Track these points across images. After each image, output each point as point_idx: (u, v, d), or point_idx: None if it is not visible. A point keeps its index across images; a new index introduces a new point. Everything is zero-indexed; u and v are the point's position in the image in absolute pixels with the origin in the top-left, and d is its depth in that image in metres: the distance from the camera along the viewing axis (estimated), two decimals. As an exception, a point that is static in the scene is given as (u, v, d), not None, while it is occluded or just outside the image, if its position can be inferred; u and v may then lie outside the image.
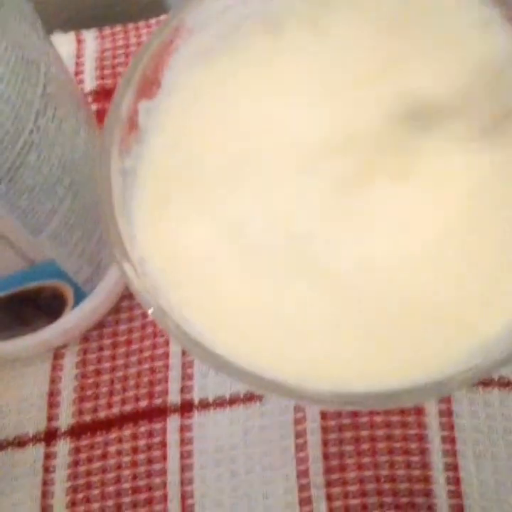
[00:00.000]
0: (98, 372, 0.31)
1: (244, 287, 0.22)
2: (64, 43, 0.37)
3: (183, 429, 0.30)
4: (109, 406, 0.31)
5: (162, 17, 0.38)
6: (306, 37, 0.25)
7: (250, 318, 0.22)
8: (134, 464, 0.30)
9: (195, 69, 0.25)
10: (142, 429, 0.30)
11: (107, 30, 0.37)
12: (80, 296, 0.29)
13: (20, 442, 0.30)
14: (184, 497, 0.29)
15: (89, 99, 0.36)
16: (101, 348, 0.32)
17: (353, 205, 0.22)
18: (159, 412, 0.30)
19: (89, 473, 0.30)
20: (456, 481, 0.28)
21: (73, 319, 0.29)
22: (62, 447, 0.30)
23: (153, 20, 0.38)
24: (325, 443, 0.29)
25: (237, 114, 0.24)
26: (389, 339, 0.20)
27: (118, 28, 0.38)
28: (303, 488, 0.29)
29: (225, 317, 0.22)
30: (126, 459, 0.30)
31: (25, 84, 0.20)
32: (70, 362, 0.32)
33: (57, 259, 0.25)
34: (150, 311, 0.20)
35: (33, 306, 0.28)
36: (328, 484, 0.29)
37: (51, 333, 0.30)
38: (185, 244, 0.22)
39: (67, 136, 0.23)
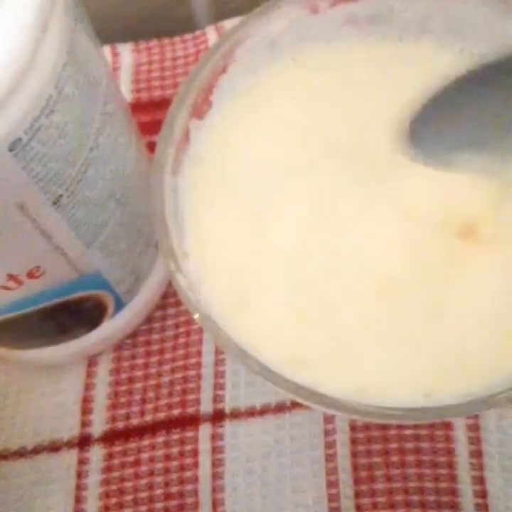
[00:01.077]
0: (131, 380, 0.32)
1: (291, 301, 0.23)
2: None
3: (215, 437, 0.31)
4: (142, 413, 0.31)
5: (197, 32, 0.38)
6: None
7: (299, 331, 0.22)
8: (167, 470, 0.30)
9: (240, 91, 0.26)
10: (175, 436, 0.31)
11: (143, 45, 0.38)
12: (119, 306, 0.29)
13: (54, 447, 0.31)
14: (215, 504, 0.30)
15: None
16: (134, 357, 0.32)
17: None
18: (191, 421, 0.31)
19: (122, 479, 0.30)
20: (483, 494, 0.29)
21: (111, 328, 0.30)
22: (96, 453, 0.31)
23: (188, 36, 0.38)
24: (354, 454, 0.30)
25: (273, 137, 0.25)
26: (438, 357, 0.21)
27: (153, 42, 0.39)
28: (332, 498, 0.30)
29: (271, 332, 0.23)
30: (159, 465, 0.31)
31: (89, 102, 0.21)
32: (104, 369, 0.32)
33: (104, 270, 0.26)
34: (196, 316, 0.21)
35: (74, 315, 0.28)
36: (358, 495, 0.30)
37: (89, 341, 0.30)
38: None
39: (120, 151, 0.24)
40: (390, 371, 0.22)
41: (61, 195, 0.21)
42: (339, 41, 0.25)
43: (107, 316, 0.29)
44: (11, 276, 0.22)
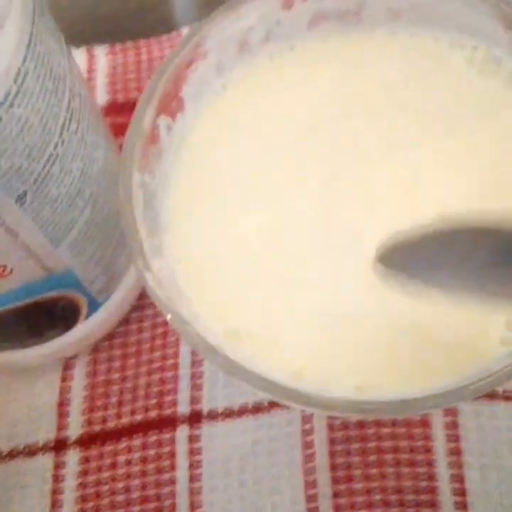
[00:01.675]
0: (108, 383, 0.32)
1: (275, 293, 0.22)
2: (76, 57, 0.37)
3: (192, 439, 0.30)
4: (119, 416, 0.31)
5: (173, 34, 0.38)
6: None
7: (279, 326, 0.22)
8: (144, 473, 0.30)
9: (213, 86, 0.26)
10: (151, 439, 0.31)
11: (119, 46, 0.38)
12: (93, 307, 0.29)
13: (30, 451, 0.31)
14: (193, 507, 0.30)
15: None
16: (111, 359, 0.32)
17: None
18: (168, 423, 0.31)
19: (98, 483, 0.30)
20: (461, 492, 0.29)
21: (86, 329, 0.30)
22: (72, 457, 0.31)
23: (164, 37, 0.38)
24: (332, 454, 0.30)
25: (258, 133, 0.25)
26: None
27: (129, 44, 0.38)
28: (310, 498, 0.29)
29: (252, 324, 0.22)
30: (136, 468, 0.30)
31: (52, 98, 0.21)
32: (80, 372, 0.32)
33: (75, 269, 0.26)
34: (169, 317, 0.21)
35: (47, 316, 0.28)
36: (336, 495, 0.29)
37: (63, 343, 0.30)
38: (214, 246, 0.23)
39: (88, 149, 0.24)
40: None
41: (25, 192, 0.21)
42: (311, 38, 0.25)
43: (81, 316, 0.29)
44: (-22, 275, 0.22)
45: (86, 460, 0.31)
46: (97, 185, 0.25)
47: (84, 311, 0.29)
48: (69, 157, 0.22)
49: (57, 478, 0.30)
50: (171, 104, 0.24)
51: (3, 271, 0.23)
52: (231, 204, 0.25)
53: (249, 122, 0.25)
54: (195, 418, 0.31)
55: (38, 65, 0.19)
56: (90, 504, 0.30)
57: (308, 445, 0.30)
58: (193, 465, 0.30)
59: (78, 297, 0.28)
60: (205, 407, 0.31)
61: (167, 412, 0.31)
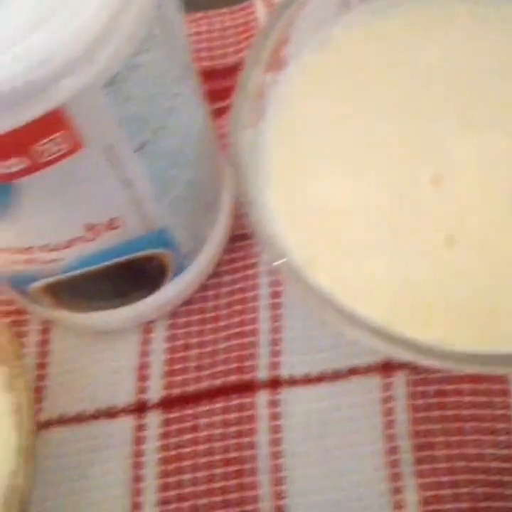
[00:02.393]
0: (187, 347, 0.32)
1: (374, 252, 0.23)
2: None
3: (272, 404, 0.31)
4: (199, 380, 0.31)
5: (245, 4, 0.38)
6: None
7: (380, 281, 0.22)
8: (225, 436, 0.30)
9: (313, 44, 0.26)
10: (232, 403, 0.31)
11: (190, 17, 0.38)
12: (179, 269, 0.29)
13: (111, 413, 0.31)
14: (274, 470, 0.30)
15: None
16: (189, 324, 0.32)
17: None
18: (249, 387, 0.31)
19: (180, 445, 0.30)
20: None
21: (169, 293, 0.30)
22: (153, 419, 0.31)
23: (236, 8, 0.38)
24: (413, 421, 0.30)
25: (360, 91, 0.25)
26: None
27: (200, 14, 0.39)
28: (392, 464, 0.29)
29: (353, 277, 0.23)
30: (217, 431, 0.30)
31: (172, 48, 0.21)
32: (159, 336, 0.32)
33: (170, 229, 0.26)
34: (280, 262, 0.21)
35: (137, 275, 0.28)
36: (417, 462, 0.29)
37: (147, 306, 0.30)
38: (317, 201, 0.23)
39: (193, 107, 0.24)
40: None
41: (146, 142, 0.21)
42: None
43: (167, 279, 0.29)
44: (90, 227, 0.22)
45: (167, 423, 0.31)
46: (197, 145, 0.25)
47: (170, 273, 0.29)
48: (181, 112, 0.23)
49: (138, 440, 0.31)
50: (275, 62, 0.24)
51: (114, 224, 0.23)
52: (330, 162, 0.25)
53: (348, 80, 0.25)
54: (274, 383, 0.31)
55: (164, 15, 0.20)
56: (172, 466, 0.30)
57: (388, 412, 0.30)
58: (274, 429, 0.30)
59: (168, 258, 0.28)
60: (284, 372, 0.31)
61: (247, 377, 0.31)
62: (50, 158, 0.19)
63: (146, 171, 0.22)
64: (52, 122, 0.18)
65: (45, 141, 0.18)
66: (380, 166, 0.24)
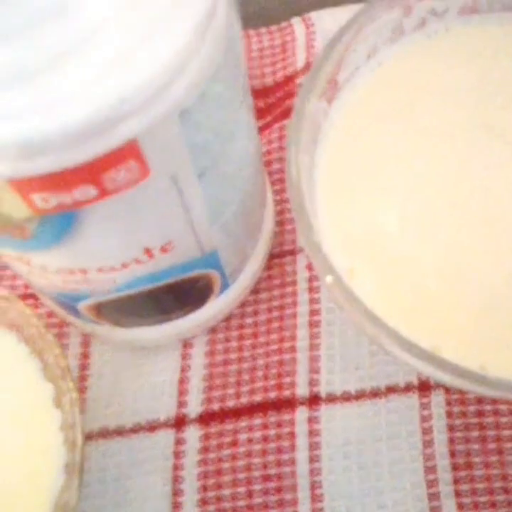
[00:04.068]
0: (226, 363, 0.32)
1: (430, 276, 0.23)
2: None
3: (311, 420, 0.31)
4: (238, 396, 0.32)
5: (283, 24, 0.39)
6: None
7: (431, 305, 0.23)
8: (264, 452, 0.31)
9: (366, 69, 0.26)
10: (271, 419, 0.31)
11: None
12: (223, 287, 0.30)
13: (151, 427, 0.31)
14: (313, 487, 0.30)
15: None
16: (228, 340, 0.33)
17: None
18: (288, 404, 0.31)
19: (219, 460, 0.31)
20: None
21: (216, 309, 0.30)
22: (192, 433, 0.31)
23: (274, 27, 0.39)
24: (451, 441, 0.30)
25: (412, 113, 0.25)
26: None
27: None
28: (431, 483, 0.30)
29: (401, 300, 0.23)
30: (256, 447, 0.31)
31: (236, 75, 0.21)
32: (198, 351, 0.33)
33: (220, 250, 0.26)
34: (328, 279, 0.21)
35: (183, 294, 0.29)
36: (456, 481, 0.30)
37: (190, 323, 0.31)
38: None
39: (250, 129, 0.24)
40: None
41: (207, 168, 0.21)
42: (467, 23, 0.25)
43: (211, 297, 0.29)
44: (147, 250, 0.23)
45: (206, 437, 0.31)
46: (250, 167, 0.26)
47: (216, 292, 0.29)
48: (240, 137, 0.23)
49: (178, 455, 0.31)
50: (329, 89, 0.25)
51: (169, 246, 0.23)
52: (380, 188, 0.25)
53: (398, 107, 0.26)
54: (313, 400, 0.31)
55: (232, 42, 0.20)
56: (211, 481, 0.30)
57: (426, 431, 0.30)
58: (313, 446, 0.31)
59: (215, 277, 0.28)
60: (322, 390, 0.31)
61: (286, 393, 0.31)
62: (117, 186, 0.19)
63: (204, 196, 0.22)
64: (125, 153, 0.18)
65: (115, 170, 0.18)
66: (430, 187, 0.24)
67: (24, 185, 0.18)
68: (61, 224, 0.20)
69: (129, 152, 0.18)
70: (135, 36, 0.17)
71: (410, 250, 0.23)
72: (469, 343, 0.23)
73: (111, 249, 0.22)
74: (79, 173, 0.18)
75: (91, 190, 0.19)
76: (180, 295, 0.28)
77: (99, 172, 0.18)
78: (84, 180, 0.18)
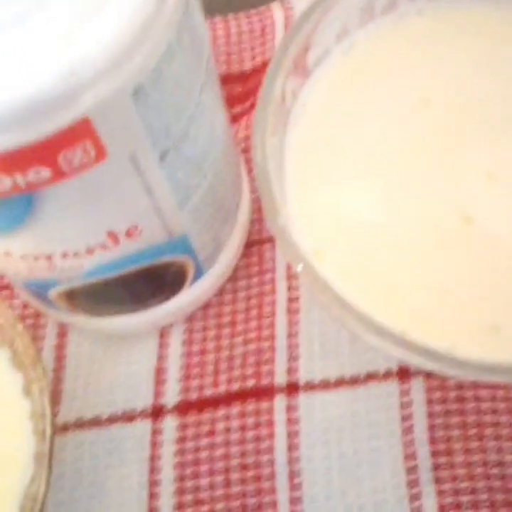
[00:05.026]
0: (203, 352, 0.32)
1: (397, 258, 0.22)
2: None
3: (290, 409, 0.31)
4: (216, 384, 0.31)
5: (262, 8, 0.38)
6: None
7: (400, 286, 0.22)
8: (242, 441, 0.30)
9: (337, 51, 0.25)
10: (249, 407, 0.31)
11: (207, 21, 0.38)
12: (198, 275, 0.29)
13: (128, 417, 0.31)
14: (292, 475, 0.30)
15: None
16: (206, 328, 0.32)
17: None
18: (266, 392, 0.31)
19: (197, 450, 0.30)
20: None
21: (188, 298, 0.30)
22: (170, 423, 0.31)
23: (253, 11, 0.38)
24: (431, 427, 0.30)
25: (384, 96, 0.25)
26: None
27: (217, 18, 0.39)
28: (410, 470, 0.29)
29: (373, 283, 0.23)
30: (234, 436, 0.30)
31: (198, 56, 0.21)
32: (175, 340, 0.32)
33: (191, 235, 0.26)
34: (299, 267, 0.21)
35: (156, 282, 0.28)
36: (436, 468, 0.29)
37: (164, 311, 0.30)
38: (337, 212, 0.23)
39: (214, 113, 0.24)
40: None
41: (168, 150, 0.21)
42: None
43: (185, 284, 0.29)
44: (111, 234, 0.22)
45: (183, 427, 0.31)
46: (218, 151, 0.25)
47: (189, 278, 0.29)
48: (203, 119, 0.22)
49: (155, 445, 0.31)
50: (299, 69, 0.24)
51: (134, 231, 0.23)
52: (348, 170, 0.25)
53: (367, 89, 0.25)
54: (292, 388, 0.31)
55: (191, 21, 0.19)
56: (189, 470, 0.30)
57: (406, 418, 0.30)
58: (291, 434, 0.30)
59: (188, 264, 0.28)
60: (302, 377, 0.31)
61: (264, 381, 0.31)
62: (74, 167, 0.19)
63: (168, 179, 0.22)
64: (78, 131, 0.18)
65: (70, 150, 0.18)
66: (400, 172, 0.24)
67: (-25, 166, 0.17)
68: (18, 207, 0.19)
69: (83, 131, 0.18)
70: (85, 9, 0.16)
71: (378, 232, 0.23)
72: (437, 323, 0.23)
73: (73, 233, 0.22)
74: (32, 153, 0.18)
75: (45, 172, 0.18)
76: (153, 282, 0.28)
77: (53, 152, 0.18)
78: (37, 161, 0.18)
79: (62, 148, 0.18)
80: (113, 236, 0.23)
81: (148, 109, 0.19)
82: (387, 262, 0.23)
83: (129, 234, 0.23)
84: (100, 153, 0.19)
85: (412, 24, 0.25)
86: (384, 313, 0.22)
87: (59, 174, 0.19)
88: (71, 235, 0.22)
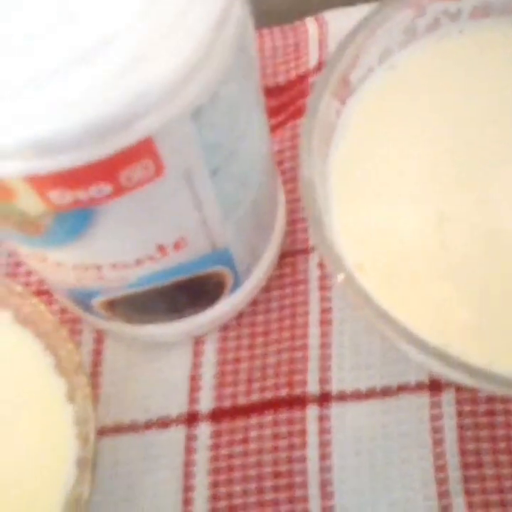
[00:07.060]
0: (237, 360, 0.33)
1: (440, 282, 0.23)
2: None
3: (322, 418, 0.31)
4: (249, 393, 0.32)
5: (296, 23, 0.39)
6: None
7: (440, 302, 0.23)
8: (275, 449, 0.31)
9: (380, 70, 0.26)
10: (282, 416, 0.31)
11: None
12: (235, 286, 0.30)
13: (163, 423, 0.32)
14: (324, 484, 0.30)
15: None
16: (239, 337, 0.33)
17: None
18: (299, 401, 0.31)
19: (230, 457, 0.31)
20: None
21: (225, 308, 0.31)
22: (204, 430, 0.31)
23: (287, 27, 0.39)
24: (462, 439, 0.30)
25: (426, 115, 0.25)
26: None
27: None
28: (441, 482, 0.30)
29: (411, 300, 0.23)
30: (267, 444, 0.31)
31: (249, 76, 0.21)
32: (210, 349, 0.33)
33: (233, 247, 0.27)
34: (340, 278, 0.21)
35: (195, 292, 0.29)
36: (466, 480, 0.30)
37: (201, 320, 0.31)
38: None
39: (262, 128, 0.25)
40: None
41: (219, 166, 0.21)
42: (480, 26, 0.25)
43: (223, 295, 0.30)
44: (160, 247, 0.23)
45: (217, 434, 0.31)
46: (261, 165, 0.26)
47: (227, 289, 0.29)
48: (251, 135, 0.23)
49: (189, 451, 0.31)
50: (342, 89, 0.25)
51: (181, 243, 0.23)
52: (390, 187, 0.25)
53: (412, 109, 0.26)
54: (324, 398, 0.31)
55: (246, 42, 0.20)
56: (222, 477, 0.31)
57: (437, 430, 0.31)
58: (324, 444, 0.31)
59: (227, 275, 0.28)
60: (333, 388, 0.32)
61: (297, 391, 0.32)
62: (133, 184, 0.19)
63: (217, 194, 0.22)
64: (140, 150, 0.18)
65: (131, 168, 0.19)
66: (444, 188, 0.24)
67: (40, 182, 0.18)
68: (76, 221, 0.20)
69: (144, 150, 0.18)
70: (151, 38, 0.17)
71: (421, 248, 0.24)
72: (477, 339, 0.23)
73: (125, 246, 0.22)
74: (95, 171, 0.18)
75: (107, 188, 0.19)
76: (192, 292, 0.28)
77: (116, 169, 0.19)
78: (100, 178, 0.19)
79: (124, 166, 0.18)
80: (162, 249, 0.23)
81: (205, 128, 0.19)
82: (430, 277, 0.23)
83: (176, 246, 0.23)
84: (159, 170, 0.19)
85: (453, 44, 0.26)
86: (423, 328, 0.22)
87: (119, 190, 0.19)
88: (123, 247, 0.22)
